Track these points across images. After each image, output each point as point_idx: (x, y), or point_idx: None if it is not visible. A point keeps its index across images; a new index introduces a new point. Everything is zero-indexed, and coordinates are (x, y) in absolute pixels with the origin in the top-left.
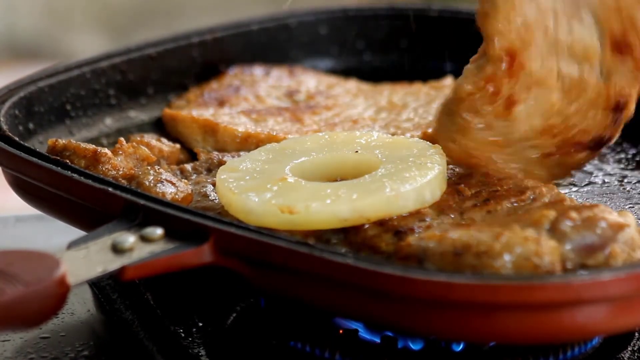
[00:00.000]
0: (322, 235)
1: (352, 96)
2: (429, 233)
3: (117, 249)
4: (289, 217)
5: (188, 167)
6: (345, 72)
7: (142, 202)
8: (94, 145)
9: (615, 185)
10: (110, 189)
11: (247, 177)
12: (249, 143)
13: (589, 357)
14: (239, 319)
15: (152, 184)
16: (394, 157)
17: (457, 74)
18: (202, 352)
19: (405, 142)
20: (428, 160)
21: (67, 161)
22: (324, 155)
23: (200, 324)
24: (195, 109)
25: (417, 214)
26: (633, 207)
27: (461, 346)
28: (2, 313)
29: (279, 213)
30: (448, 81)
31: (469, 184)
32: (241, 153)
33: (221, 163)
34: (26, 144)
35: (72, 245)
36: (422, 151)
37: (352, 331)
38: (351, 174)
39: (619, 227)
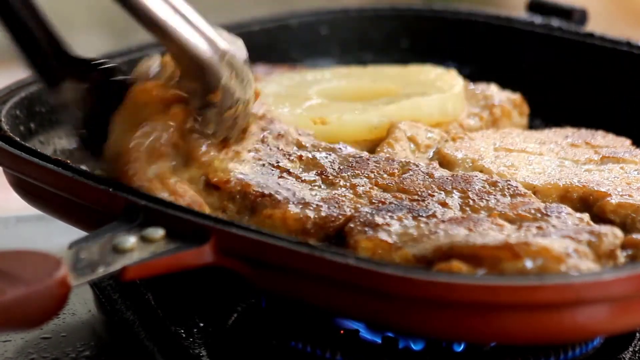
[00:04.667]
0: (324, 237)
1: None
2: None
3: (118, 250)
4: (321, 128)
5: None
6: None
7: (142, 202)
8: None
9: None
10: (111, 190)
11: (273, 98)
12: None
13: (590, 357)
14: (240, 320)
15: None
16: (413, 82)
17: (458, 72)
18: (203, 353)
19: (421, 69)
20: (448, 80)
21: None
22: (345, 83)
23: (201, 325)
24: None
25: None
26: None
27: (462, 346)
28: (3, 313)
29: (312, 125)
30: None
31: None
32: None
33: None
34: (27, 145)
35: (73, 245)
36: (440, 75)
37: (353, 331)
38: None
39: None
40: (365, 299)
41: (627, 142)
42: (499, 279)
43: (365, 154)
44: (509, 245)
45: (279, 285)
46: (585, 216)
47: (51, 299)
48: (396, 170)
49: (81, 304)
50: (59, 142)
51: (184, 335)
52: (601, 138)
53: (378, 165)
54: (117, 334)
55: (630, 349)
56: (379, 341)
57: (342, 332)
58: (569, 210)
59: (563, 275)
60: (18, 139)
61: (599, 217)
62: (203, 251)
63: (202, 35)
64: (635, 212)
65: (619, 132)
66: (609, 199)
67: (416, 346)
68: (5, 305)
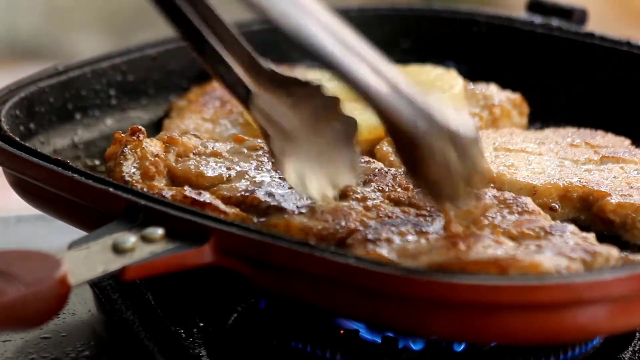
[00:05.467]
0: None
1: None
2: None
3: (118, 249)
4: None
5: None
6: None
7: (143, 202)
8: None
9: None
10: (111, 189)
11: None
12: None
13: (590, 357)
14: (239, 320)
15: None
16: (413, 82)
17: (458, 73)
18: (203, 353)
19: (421, 69)
20: (448, 80)
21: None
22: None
23: (201, 324)
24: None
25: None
26: None
27: (462, 346)
28: (3, 313)
29: None
30: None
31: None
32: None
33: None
34: (27, 144)
35: (73, 245)
36: (439, 75)
37: (353, 331)
38: None
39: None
40: (365, 299)
41: (627, 142)
42: (500, 279)
43: (384, 167)
44: (496, 260)
45: (279, 285)
46: (591, 236)
47: (51, 299)
48: (411, 185)
49: (81, 304)
50: (59, 142)
51: (184, 335)
52: (601, 138)
53: (395, 179)
54: (117, 334)
55: (630, 349)
56: (379, 341)
57: (342, 332)
58: (574, 229)
59: (563, 276)
60: (18, 139)
61: (599, 217)
62: (203, 251)
63: (416, 109)
64: (635, 212)
65: (618, 132)
66: (608, 198)
67: (416, 346)
68: (5, 305)
